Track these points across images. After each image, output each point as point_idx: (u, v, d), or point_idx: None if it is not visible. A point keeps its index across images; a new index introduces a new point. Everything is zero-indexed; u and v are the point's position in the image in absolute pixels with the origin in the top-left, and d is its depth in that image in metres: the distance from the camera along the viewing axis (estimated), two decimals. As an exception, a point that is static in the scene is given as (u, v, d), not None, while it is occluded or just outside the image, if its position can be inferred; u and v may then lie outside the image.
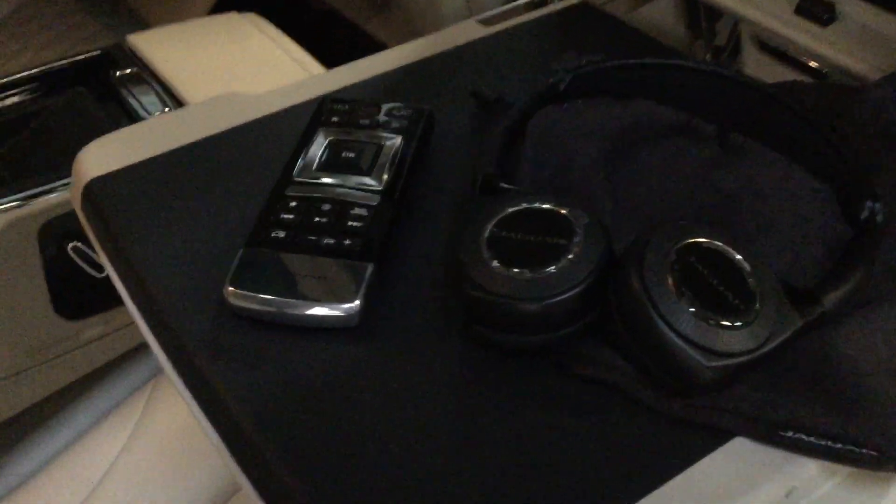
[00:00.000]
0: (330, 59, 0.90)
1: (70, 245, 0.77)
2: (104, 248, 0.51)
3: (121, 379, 0.86)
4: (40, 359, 0.81)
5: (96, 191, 0.52)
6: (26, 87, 0.88)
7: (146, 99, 0.85)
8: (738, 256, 0.39)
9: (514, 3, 0.69)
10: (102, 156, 0.54)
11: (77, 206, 0.53)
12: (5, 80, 0.87)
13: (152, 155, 0.54)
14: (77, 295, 0.80)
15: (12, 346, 0.78)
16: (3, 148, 0.83)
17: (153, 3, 1.64)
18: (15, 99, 0.87)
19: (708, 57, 0.74)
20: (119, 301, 0.81)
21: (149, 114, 0.84)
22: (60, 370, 0.83)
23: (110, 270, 0.51)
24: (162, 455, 0.78)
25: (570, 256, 0.39)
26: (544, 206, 0.41)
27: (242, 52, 0.88)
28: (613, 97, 0.52)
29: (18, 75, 0.88)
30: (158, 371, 0.85)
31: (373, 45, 1.38)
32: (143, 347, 0.87)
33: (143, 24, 1.43)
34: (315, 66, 0.85)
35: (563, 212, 0.41)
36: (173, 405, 0.79)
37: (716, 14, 0.71)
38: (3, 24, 1.29)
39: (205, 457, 0.75)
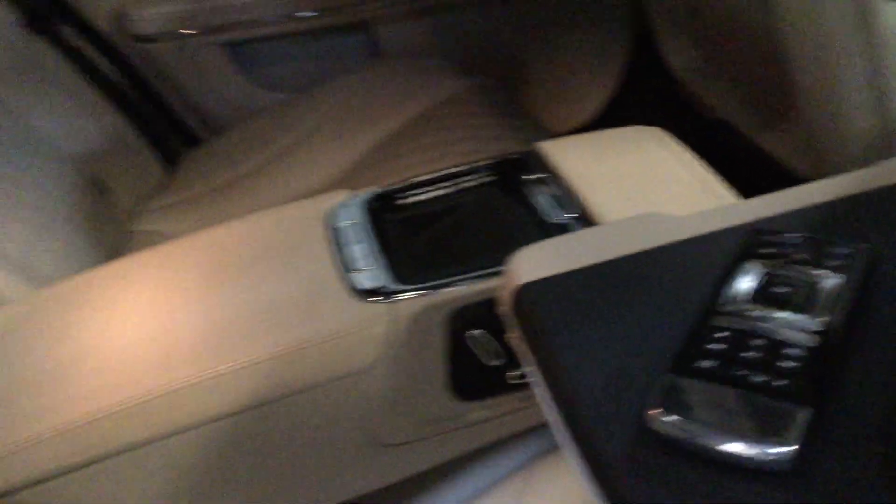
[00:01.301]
0: (718, 170, 0.89)
1: (468, 333, 0.84)
2: (531, 345, 0.54)
3: (496, 462, 0.90)
4: (428, 432, 0.87)
5: (527, 294, 0.55)
6: (448, 182, 0.97)
7: (550, 204, 0.90)
8: None
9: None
10: (532, 262, 0.58)
11: (508, 305, 0.58)
12: (435, 175, 0.97)
13: (576, 267, 0.57)
14: (470, 379, 0.86)
15: (408, 417, 0.85)
16: (423, 237, 0.92)
17: (548, 109, 1.75)
18: (437, 193, 0.97)
19: None
20: (505, 389, 0.86)
21: (552, 218, 0.88)
22: (443, 446, 0.89)
23: (533, 369, 0.54)
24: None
25: None
26: None
27: (646, 167, 0.91)
28: None
29: (446, 171, 0.98)
30: (535, 458, 0.88)
31: (763, 159, 1.35)
32: (519, 436, 0.90)
33: (540, 126, 1.54)
34: (722, 191, 0.84)
35: None
36: (548, 497, 0.81)
37: None
38: (428, 117, 1.46)
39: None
